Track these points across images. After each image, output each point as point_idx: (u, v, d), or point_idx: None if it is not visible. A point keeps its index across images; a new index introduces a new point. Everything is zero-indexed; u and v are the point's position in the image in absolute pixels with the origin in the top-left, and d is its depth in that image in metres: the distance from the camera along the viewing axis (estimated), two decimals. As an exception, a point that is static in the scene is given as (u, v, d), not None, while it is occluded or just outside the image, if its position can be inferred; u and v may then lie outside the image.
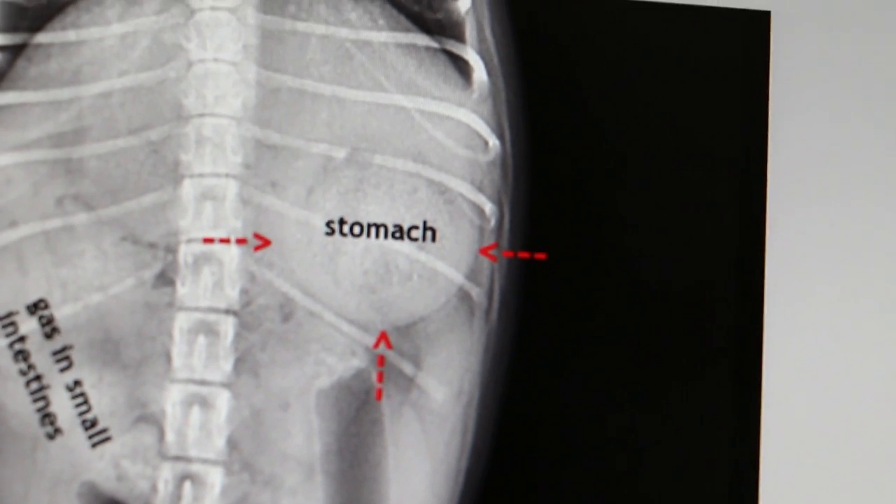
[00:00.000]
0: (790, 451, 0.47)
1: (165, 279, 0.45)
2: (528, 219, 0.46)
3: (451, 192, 0.46)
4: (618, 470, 0.46)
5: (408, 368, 0.46)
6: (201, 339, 0.45)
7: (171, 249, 0.45)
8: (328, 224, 0.46)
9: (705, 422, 0.46)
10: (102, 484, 0.45)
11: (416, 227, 0.46)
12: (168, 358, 0.45)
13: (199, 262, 0.45)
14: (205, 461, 0.45)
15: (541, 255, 0.46)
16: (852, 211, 0.48)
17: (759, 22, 0.48)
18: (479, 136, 0.47)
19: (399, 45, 0.47)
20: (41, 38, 0.46)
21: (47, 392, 0.45)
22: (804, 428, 0.47)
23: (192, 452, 0.45)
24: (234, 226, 0.46)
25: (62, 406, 0.45)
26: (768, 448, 0.47)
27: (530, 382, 0.46)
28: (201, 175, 0.46)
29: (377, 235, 0.46)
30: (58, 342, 0.45)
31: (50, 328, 0.45)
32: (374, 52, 0.47)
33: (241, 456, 0.45)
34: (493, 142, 0.47)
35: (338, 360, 0.45)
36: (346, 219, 0.46)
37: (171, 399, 0.45)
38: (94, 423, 0.45)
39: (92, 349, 0.45)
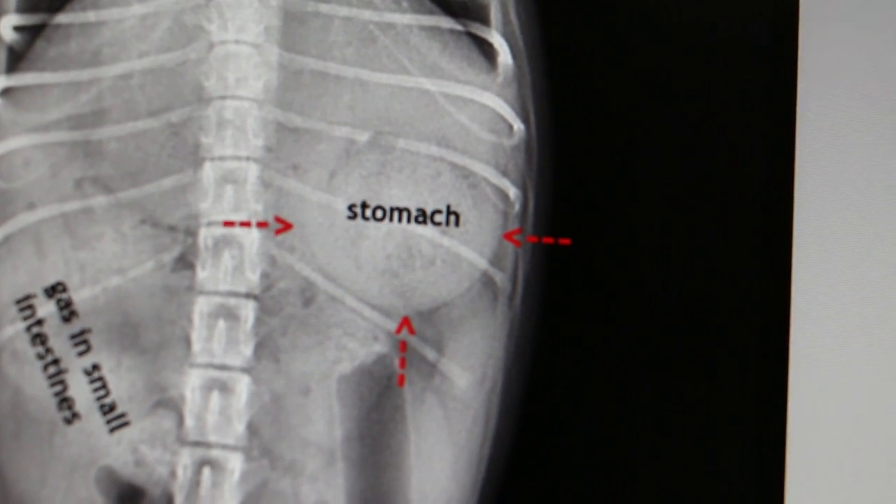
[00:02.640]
0: (816, 449, 0.46)
1: (185, 262, 0.45)
2: (552, 204, 0.46)
3: (474, 176, 0.46)
4: (641, 458, 0.45)
5: (430, 354, 0.45)
6: (221, 324, 0.44)
7: (191, 232, 0.45)
8: (350, 208, 0.45)
9: (730, 410, 0.46)
10: (120, 469, 0.44)
11: (439, 212, 0.45)
12: (187, 342, 0.44)
13: (219, 245, 0.45)
14: (224, 447, 0.44)
15: (565, 241, 0.46)
16: (882, 201, 0.48)
17: (788, 8, 0.47)
18: (504, 119, 0.46)
19: (423, 28, 0.46)
20: (61, 18, 0.45)
21: (65, 376, 0.44)
22: (830, 424, 0.47)
23: (212, 438, 0.44)
24: (255, 209, 0.45)
25: (80, 390, 0.44)
26: (794, 443, 0.46)
27: (554, 369, 0.45)
28: (222, 158, 0.45)
29: (400, 220, 0.45)
30: (76, 326, 0.44)
31: (68, 311, 0.44)
32: (398, 35, 0.46)
33: (260, 441, 0.44)
34: (518, 126, 0.46)
35: (359, 345, 0.45)
36: (368, 203, 0.45)
37: (191, 384, 0.44)
38: (112, 408, 0.44)
39: (110, 333, 0.44)
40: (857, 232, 0.48)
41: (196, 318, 0.44)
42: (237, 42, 0.45)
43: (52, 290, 0.44)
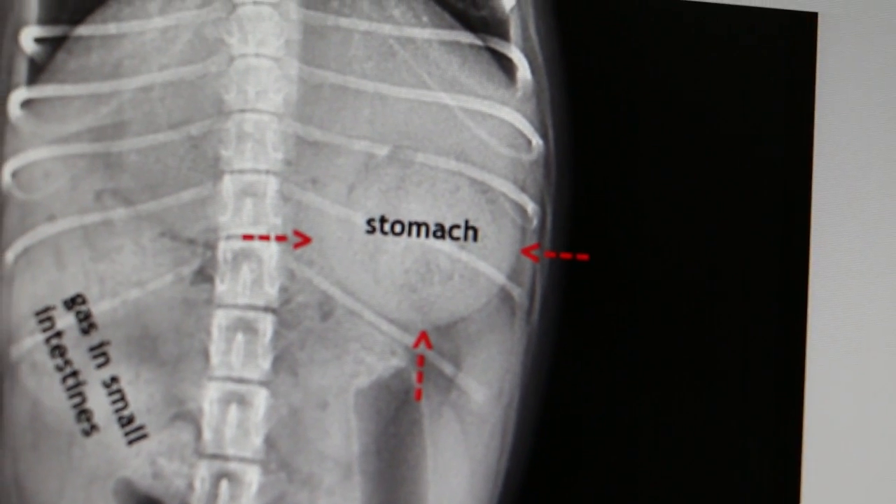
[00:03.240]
0: (832, 454, 0.46)
1: (204, 276, 0.45)
2: (570, 219, 0.46)
3: (493, 191, 0.46)
4: (659, 473, 0.45)
5: (448, 369, 0.45)
6: (240, 337, 0.45)
7: (211, 246, 0.45)
8: (369, 222, 0.45)
9: (748, 426, 0.46)
10: (138, 481, 0.44)
11: (457, 227, 0.46)
12: (206, 355, 0.45)
13: (238, 258, 0.45)
14: (242, 460, 0.44)
15: (583, 256, 0.46)
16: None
17: (807, 23, 0.48)
18: (523, 135, 0.46)
19: (443, 43, 0.46)
20: (82, 30, 0.46)
21: (84, 388, 0.44)
22: (847, 429, 0.47)
23: (230, 451, 0.44)
24: (274, 222, 0.45)
25: (98, 402, 0.44)
26: (811, 451, 0.46)
27: (571, 384, 0.45)
28: (241, 171, 0.45)
29: (418, 234, 0.45)
30: (95, 338, 0.44)
31: (87, 324, 0.44)
32: (418, 49, 0.46)
33: (278, 455, 0.44)
34: (537, 141, 0.46)
35: (377, 359, 0.45)
36: (387, 217, 0.45)
37: (209, 397, 0.44)
38: (130, 420, 0.44)
39: (129, 345, 0.44)
40: (874, 244, 0.48)
41: (214, 331, 0.45)
42: (257, 55, 0.46)
43: (72, 302, 0.44)
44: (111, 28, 0.46)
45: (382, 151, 0.46)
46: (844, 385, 0.47)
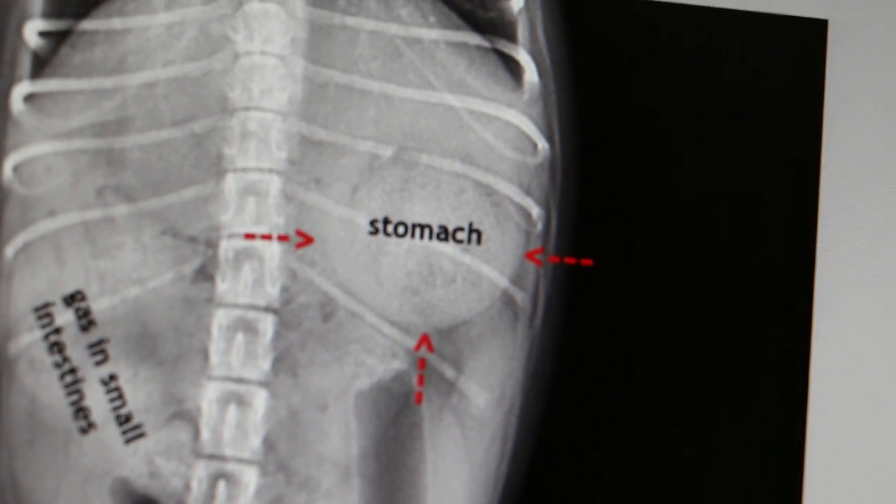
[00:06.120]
0: (835, 460, 0.46)
1: (205, 274, 0.44)
2: (575, 224, 0.46)
3: (498, 194, 0.45)
4: (660, 480, 0.45)
5: (449, 372, 0.45)
6: (240, 337, 0.44)
7: (212, 244, 0.45)
8: (372, 223, 0.45)
9: (752, 433, 0.45)
10: (135, 480, 0.44)
11: (461, 229, 0.45)
12: (205, 355, 0.44)
13: (239, 257, 0.45)
14: (240, 461, 0.44)
15: (587, 262, 0.46)
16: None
17: (817, 30, 0.47)
18: (529, 138, 0.46)
19: (449, 44, 0.46)
20: (86, 25, 0.45)
21: (81, 385, 0.44)
22: (850, 437, 0.46)
23: (228, 451, 0.44)
24: (277, 222, 0.45)
25: (96, 400, 0.44)
26: (813, 457, 0.46)
27: (573, 390, 0.45)
28: (244, 169, 0.45)
29: (422, 236, 0.45)
30: (94, 335, 0.44)
31: (86, 321, 0.44)
32: (424, 50, 0.46)
33: (277, 456, 0.44)
34: (543, 144, 0.46)
35: (378, 361, 0.44)
36: (390, 218, 0.45)
37: (208, 396, 0.44)
38: (128, 419, 0.44)
39: (128, 343, 0.44)
40: (880, 252, 0.47)
41: (215, 330, 0.44)
42: (263, 53, 0.45)
43: (71, 299, 0.44)
44: (116, 23, 0.45)
45: (387, 152, 0.45)
46: (848, 392, 0.46)
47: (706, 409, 0.45)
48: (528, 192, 0.46)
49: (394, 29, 0.46)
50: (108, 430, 0.44)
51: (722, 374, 0.46)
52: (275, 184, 0.45)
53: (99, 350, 0.44)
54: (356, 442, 0.44)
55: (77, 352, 0.44)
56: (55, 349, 0.44)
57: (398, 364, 0.45)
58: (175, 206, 0.45)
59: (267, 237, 0.45)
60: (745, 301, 0.46)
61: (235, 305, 0.44)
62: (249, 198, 0.45)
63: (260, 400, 0.44)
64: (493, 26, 0.46)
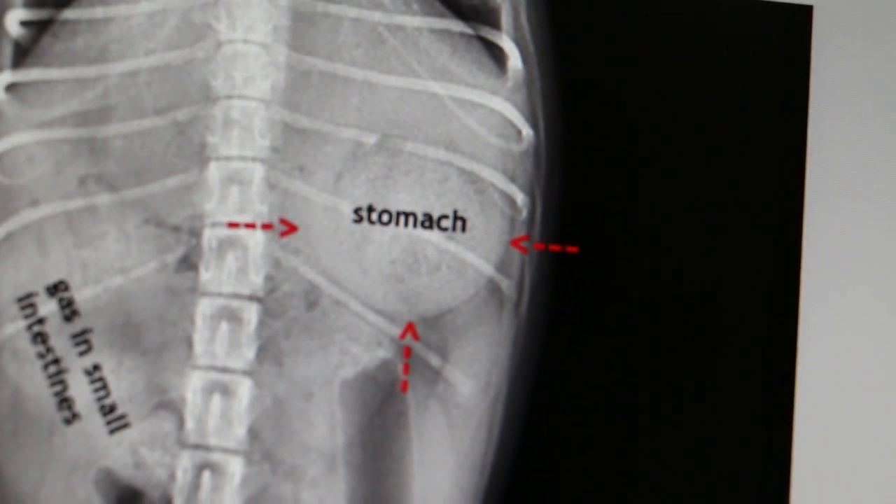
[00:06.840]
0: (822, 451, 0.46)
1: (188, 263, 0.44)
2: (560, 211, 0.45)
3: (482, 181, 0.45)
4: (644, 468, 0.45)
5: (434, 360, 0.45)
6: (224, 326, 0.44)
7: (196, 233, 0.44)
8: (356, 211, 0.45)
9: (736, 419, 0.45)
10: (120, 471, 0.44)
11: (445, 217, 0.45)
12: (189, 344, 0.44)
13: (223, 246, 0.44)
14: (225, 450, 0.44)
15: (572, 249, 0.45)
16: (892, 210, 0.47)
17: (802, 16, 0.47)
18: (513, 125, 0.46)
19: (433, 31, 0.46)
20: (68, 14, 0.45)
21: (65, 376, 0.44)
22: (837, 427, 0.46)
23: (212, 441, 0.44)
24: (260, 210, 0.45)
25: (80, 390, 0.44)
26: (800, 448, 0.46)
27: (559, 378, 0.45)
28: (228, 158, 0.45)
29: (406, 224, 0.45)
30: (77, 325, 0.44)
31: (70, 311, 0.44)
32: (408, 37, 0.46)
33: (262, 446, 0.44)
34: (527, 131, 0.46)
35: (363, 350, 0.44)
36: (374, 206, 0.45)
37: (192, 386, 0.44)
38: (112, 409, 0.44)
39: (112, 333, 0.44)
40: (867, 241, 0.47)
41: (198, 319, 0.44)
42: (245, 41, 0.45)
43: (54, 289, 0.44)
44: (98, 12, 0.45)
45: (371, 140, 0.45)
46: (835, 381, 0.46)
47: (692, 395, 0.45)
48: (512, 179, 0.45)
49: (377, 16, 0.46)
50: (92, 421, 0.44)
51: (708, 360, 0.45)
52: (258, 172, 0.45)
53: (82, 340, 0.44)
54: (341, 431, 0.44)
55: (60, 342, 0.44)
56: (38, 339, 0.44)
57: (383, 352, 0.44)
58: (158, 194, 0.44)
59: (251, 226, 0.44)
60: (731, 288, 0.46)
61: (219, 294, 0.44)
62: (233, 186, 0.45)
63: (244, 389, 0.44)
64: (477, 13, 0.46)
